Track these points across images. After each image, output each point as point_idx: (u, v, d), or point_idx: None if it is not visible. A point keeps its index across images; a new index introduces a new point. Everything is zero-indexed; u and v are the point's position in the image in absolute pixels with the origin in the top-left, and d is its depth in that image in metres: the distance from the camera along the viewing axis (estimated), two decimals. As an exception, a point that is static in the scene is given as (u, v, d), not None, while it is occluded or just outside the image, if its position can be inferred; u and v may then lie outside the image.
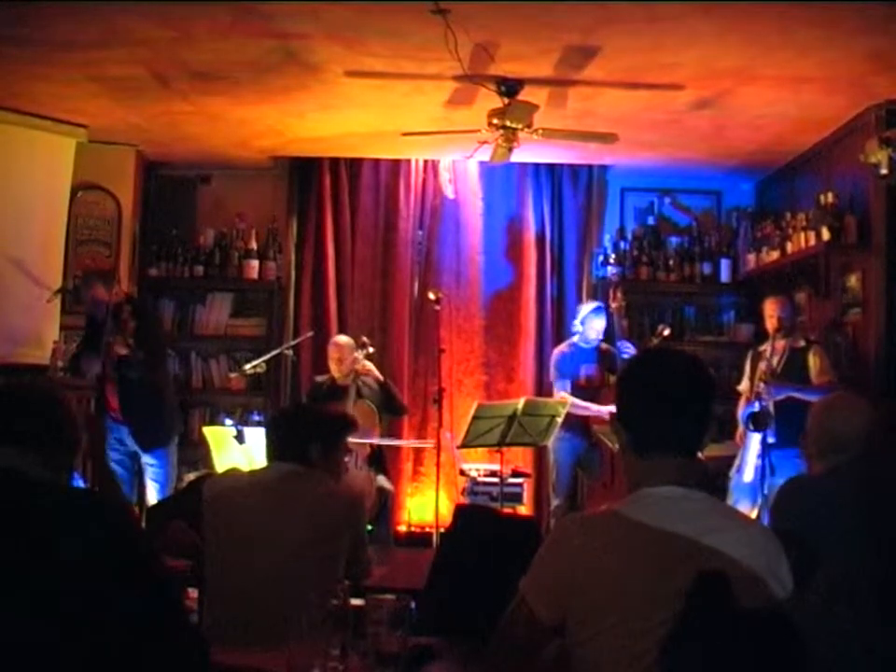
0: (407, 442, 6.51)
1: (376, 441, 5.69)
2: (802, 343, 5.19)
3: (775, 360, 5.10)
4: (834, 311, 5.51)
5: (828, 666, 2.28)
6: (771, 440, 4.90)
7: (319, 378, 5.96)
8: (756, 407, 4.96)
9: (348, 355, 5.74)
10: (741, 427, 5.21)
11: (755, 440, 5.04)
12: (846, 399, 2.98)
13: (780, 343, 5.14)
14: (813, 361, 5.07)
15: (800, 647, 1.69)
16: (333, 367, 5.78)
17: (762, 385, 4.99)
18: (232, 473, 3.22)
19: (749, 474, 5.11)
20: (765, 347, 5.26)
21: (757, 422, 4.93)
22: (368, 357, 5.78)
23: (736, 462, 5.21)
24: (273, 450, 2.95)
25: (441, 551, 3.28)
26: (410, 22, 4.14)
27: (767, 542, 1.80)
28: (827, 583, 2.49)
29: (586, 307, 6.00)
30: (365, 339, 5.84)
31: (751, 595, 1.68)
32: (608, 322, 5.95)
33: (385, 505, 5.67)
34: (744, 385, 5.34)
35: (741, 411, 5.23)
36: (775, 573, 1.76)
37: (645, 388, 1.87)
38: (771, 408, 4.92)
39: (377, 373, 5.77)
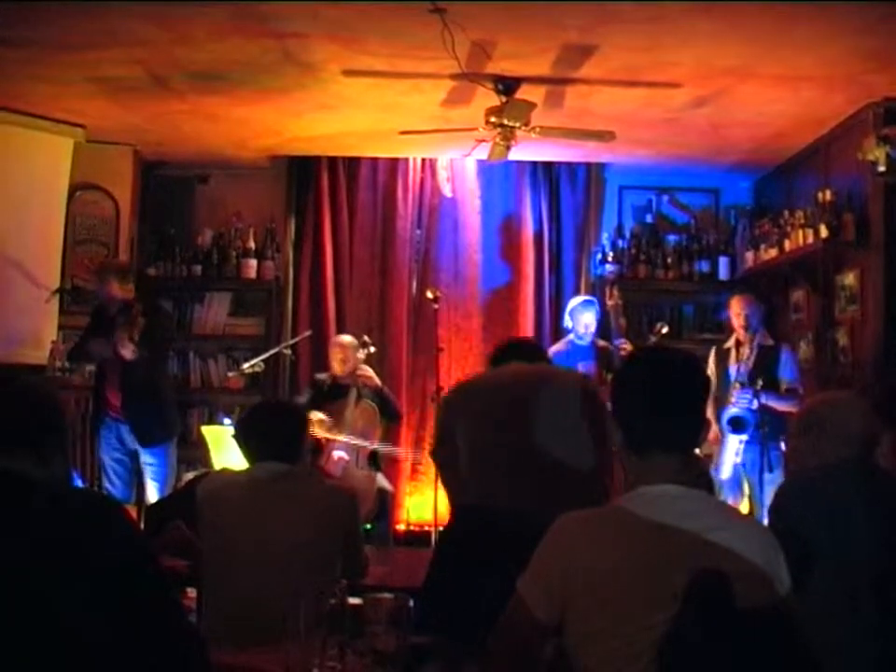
0: (401, 450, 6.44)
1: (376, 445, 5.69)
2: (770, 342, 5.25)
3: (746, 358, 5.17)
4: (832, 309, 5.52)
5: (825, 665, 2.28)
6: (745, 437, 5.04)
7: (320, 376, 5.96)
8: (743, 408, 5.00)
9: (352, 354, 5.75)
10: (715, 427, 5.22)
11: (733, 439, 5.09)
12: (846, 397, 2.99)
13: (748, 341, 5.20)
14: (783, 361, 5.17)
15: (802, 645, 1.70)
16: (337, 366, 5.77)
17: (740, 387, 5.05)
18: (226, 473, 3.22)
19: (726, 472, 5.16)
20: (730, 345, 5.34)
21: (737, 425, 5.00)
22: (369, 356, 5.78)
23: (714, 460, 5.25)
24: (261, 449, 2.93)
25: (439, 549, 3.28)
26: (407, 22, 4.14)
27: (766, 540, 1.80)
28: (825, 582, 2.50)
29: (574, 300, 6.00)
30: (367, 338, 5.85)
31: (757, 591, 1.68)
32: (605, 320, 5.95)
33: (385, 504, 5.67)
34: None
35: (711, 410, 5.23)
36: (774, 571, 1.76)
37: (641, 387, 1.87)
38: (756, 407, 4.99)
39: (377, 380, 5.76)
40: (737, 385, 5.09)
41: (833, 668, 2.33)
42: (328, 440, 5.55)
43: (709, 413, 5.15)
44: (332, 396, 5.70)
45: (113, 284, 5.12)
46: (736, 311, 5.30)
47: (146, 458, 5.26)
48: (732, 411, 5.08)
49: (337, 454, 5.54)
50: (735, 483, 5.21)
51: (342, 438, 5.52)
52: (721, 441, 5.18)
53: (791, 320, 6.09)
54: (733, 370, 5.27)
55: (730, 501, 5.00)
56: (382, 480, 5.72)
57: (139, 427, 5.20)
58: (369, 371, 5.74)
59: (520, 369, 3.29)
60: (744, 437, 5.07)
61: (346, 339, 5.88)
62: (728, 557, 1.70)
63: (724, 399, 5.21)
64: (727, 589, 1.62)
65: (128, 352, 4.98)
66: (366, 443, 5.58)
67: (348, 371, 5.72)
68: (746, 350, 5.21)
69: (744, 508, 5.04)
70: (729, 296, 5.53)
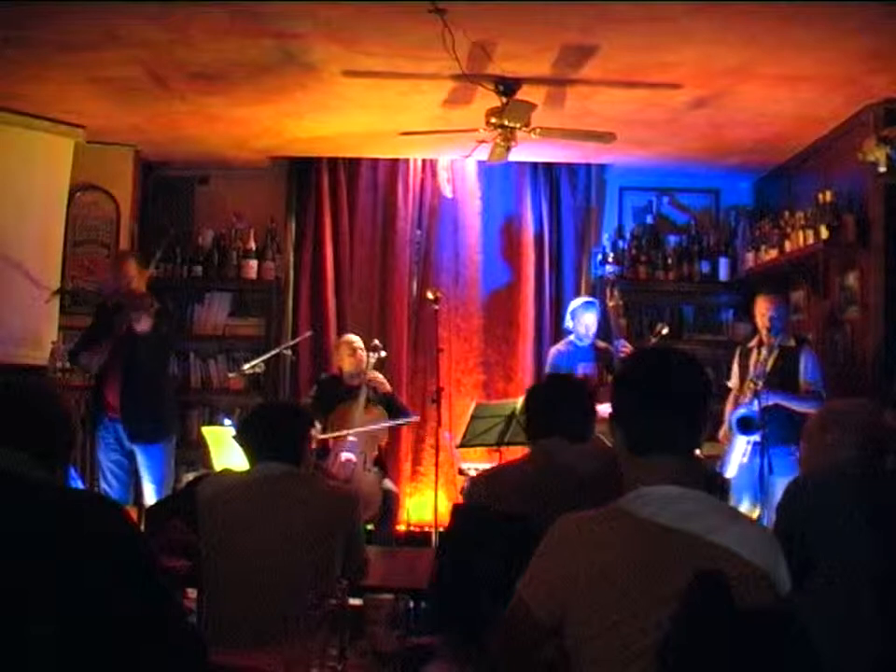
0: (395, 423, 6.34)
1: (387, 423, 5.70)
2: (792, 343, 5.19)
3: (764, 359, 5.12)
4: (833, 309, 5.51)
5: (826, 666, 2.28)
6: (756, 437, 4.96)
7: (325, 376, 5.99)
8: (752, 408, 4.98)
9: (362, 350, 5.78)
10: (725, 426, 5.21)
11: (741, 440, 5.07)
12: (858, 401, 3.04)
13: (771, 342, 5.15)
14: (804, 362, 5.09)
15: (802, 646, 1.69)
16: (347, 361, 5.78)
17: (753, 387, 5.00)
18: (227, 474, 3.22)
19: (731, 472, 5.14)
20: (753, 344, 5.29)
21: (746, 425, 4.96)
22: (380, 360, 5.79)
23: (721, 458, 5.23)
24: (263, 450, 2.92)
25: (439, 551, 3.28)
26: (407, 22, 4.14)
27: (766, 541, 1.80)
28: (826, 583, 2.50)
29: (575, 302, 6.00)
30: (377, 342, 5.85)
31: (757, 592, 1.68)
32: (605, 321, 5.94)
33: (389, 506, 5.66)
34: (733, 383, 5.35)
35: (730, 409, 5.23)
36: (774, 571, 1.76)
37: (641, 388, 1.86)
38: (757, 410, 4.96)
39: (387, 386, 5.79)
40: (751, 385, 5.05)
41: (832, 668, 2.33)
42: (335, 441, 5.55)
43: (728, 411, 5.16)
44: (340, 397, 5.70)
45: (131, 264, 5.24)
46: (762, 311, 5.18)
47: (143, 459, 5.24)
48: (741, 411, 5.05)
49: (345, 455, 5.53)
50: (751, 485, 5.15)
51: (350, 435, 5.52)
52: (730, 441, 5.16)
53: (792, 321, 6.08)
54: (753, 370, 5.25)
55: (744, 505, 4.97)
56: (387, 482, 5.73)
57: (131, 423, 5.16)
58: (380, 377, 5.77)
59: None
60: (752, 437, 5.03)
61: (354, 337, 5.93)
62: (728, 558, 1.70)
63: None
64: (726, 590, 1.62)
65: (144, 324, 5.02)
66: (377, 426, 5.58)
67: (358, 370, 5.72)
68: (765, 352, 5.15)
69: (756, 511, 5.00)
70: (755, 295, 5.44)
